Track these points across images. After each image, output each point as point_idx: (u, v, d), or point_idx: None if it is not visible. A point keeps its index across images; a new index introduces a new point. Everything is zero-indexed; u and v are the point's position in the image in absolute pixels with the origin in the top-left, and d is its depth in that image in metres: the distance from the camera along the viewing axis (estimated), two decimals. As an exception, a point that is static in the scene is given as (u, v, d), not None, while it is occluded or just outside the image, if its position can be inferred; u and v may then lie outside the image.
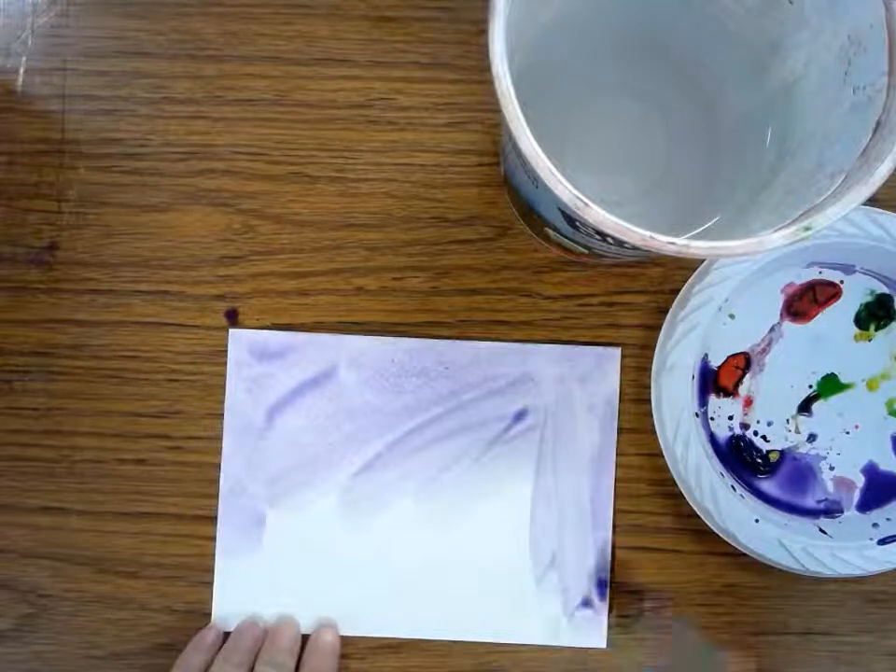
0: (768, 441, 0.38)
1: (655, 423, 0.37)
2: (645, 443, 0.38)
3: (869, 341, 0.38)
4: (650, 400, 0.37)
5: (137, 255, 0.38)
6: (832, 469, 0.38)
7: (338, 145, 0.38)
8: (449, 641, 0.38)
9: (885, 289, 0.38)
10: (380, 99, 0.38)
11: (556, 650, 0.38)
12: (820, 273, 0.38)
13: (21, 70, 0.38)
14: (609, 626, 0.38)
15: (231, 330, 0.38)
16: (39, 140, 0.38)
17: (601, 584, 0.38)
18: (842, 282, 0.38)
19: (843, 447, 0.38)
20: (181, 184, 0.38)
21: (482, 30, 0.38)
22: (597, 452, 0.38)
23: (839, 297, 0.38)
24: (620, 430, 0.38)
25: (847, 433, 0.38)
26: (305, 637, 0.38)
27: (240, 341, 0.38)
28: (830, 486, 0.38)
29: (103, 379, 0.38)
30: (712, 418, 0.38)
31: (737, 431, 0.38)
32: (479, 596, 0.38)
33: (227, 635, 0.38)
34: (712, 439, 0.38)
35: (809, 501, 0.38)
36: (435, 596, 0.38)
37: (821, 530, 0.37)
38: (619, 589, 0.38)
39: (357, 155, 0.38)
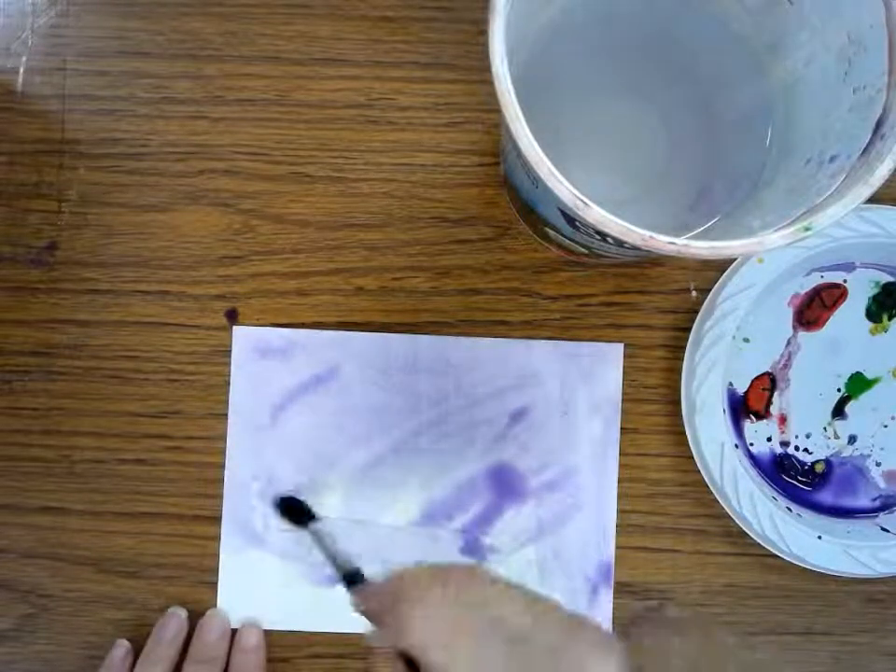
0: (811, 453, 0.39)
1: (698, 464, 0.37)
2: (645, 443, 0.38)
3: (885, 332, 0.39)
4: (683, 432, 0.37)
5: (137, 255, 0.38)
6: (878, 464, 0.39)
7: (338, 145, 0.38)
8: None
9: (889, 278, 0.38)
10: (380, 99, 0.38)
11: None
12: (822, 277, 0.38)
13: (21, 70, 0.38)
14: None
15: (234, 327, 0.38)
16: (39, 140, 0.38)
17: (602, 583, 0.38)
18: (845, 281, 0.38)
19: (885, 441, 0.39)
20: (181, 184, 0.38)
21: (482, 30, 0.38)
22: (600, 447, 0.38)
23: (846, 296, 0.38)
24: (621, 430, 0.38)
25: (886, 426, 0.39)
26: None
27: (244, 338, 0.38)
28: (881, 482, 0.39)
29: (103, 379, 0.38)
30: (752, 444, 0.38)
31: (778, 450, 0.38)
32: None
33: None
34: (757, 465, 0.38)
35: (864, 502, 0.38)
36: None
37: (883, 528, 0.37)
38: (619, 589, 0.38)
39: (357, 155, 0.38)
